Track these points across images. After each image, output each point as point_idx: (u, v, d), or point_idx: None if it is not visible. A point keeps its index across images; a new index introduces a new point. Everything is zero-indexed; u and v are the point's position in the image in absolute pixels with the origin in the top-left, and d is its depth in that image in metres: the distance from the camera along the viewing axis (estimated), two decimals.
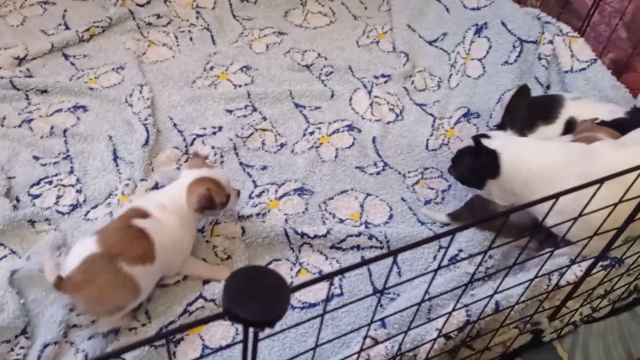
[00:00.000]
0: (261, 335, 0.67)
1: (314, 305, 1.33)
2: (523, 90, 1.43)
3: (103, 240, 1.16)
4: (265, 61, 1.93)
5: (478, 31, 1.91)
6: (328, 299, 1.33)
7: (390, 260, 1.43)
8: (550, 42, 1.75)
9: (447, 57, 1.96)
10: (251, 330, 0.64)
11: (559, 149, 1.28)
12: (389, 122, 1.80)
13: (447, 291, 1.07)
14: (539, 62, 1.77)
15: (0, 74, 1.71)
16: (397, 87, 1.92)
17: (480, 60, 1.86)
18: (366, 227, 1.50)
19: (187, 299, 1.29)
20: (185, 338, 1.25)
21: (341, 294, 1.36)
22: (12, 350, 1.17)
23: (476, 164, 1.33)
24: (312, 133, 1.73)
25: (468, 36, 1.93)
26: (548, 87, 1.76)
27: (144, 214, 1.22)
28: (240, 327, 1.25)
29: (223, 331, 1.27)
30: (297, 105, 1.80)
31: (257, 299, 0.61)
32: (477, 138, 1.33)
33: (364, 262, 0.73)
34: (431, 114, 1.85)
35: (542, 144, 1.33)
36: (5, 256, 1.29)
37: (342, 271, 0.70)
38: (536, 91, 1.72)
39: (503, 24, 1.85)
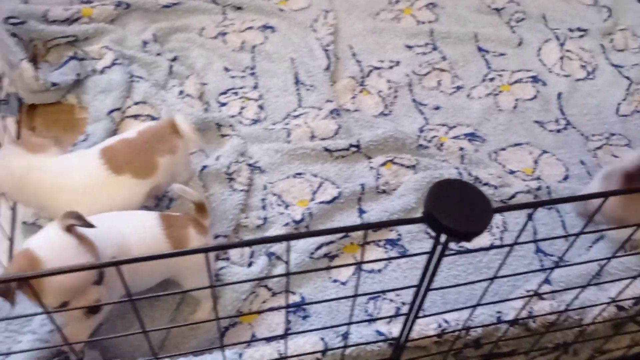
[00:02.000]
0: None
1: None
2: None
3: None
4: (452, 0, 1.86)
5: None
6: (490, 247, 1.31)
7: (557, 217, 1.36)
8: None
9: None
10: (442, 239, 0.64)
11: None
12: (578, 80, 1.67)
13: (621, 255, 0.99)
14: None
15: None
16: (593, 43, 1.76)
17: None
18: (537, 180, 1.43)
19: (344, 221, 1.34)
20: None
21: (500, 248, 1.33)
22: None
23: None
24: (492, 79, 1.65)
25: None
26: None
27: None
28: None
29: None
30: (480, 49, 1.73)
31: (459, 210, 0.61)
32: None
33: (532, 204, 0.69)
34: (627, 77, 1.68)
35: None
36: (194, 152, 1.43)
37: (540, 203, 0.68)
38: None
39: None
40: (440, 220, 0.59)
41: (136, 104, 1.48)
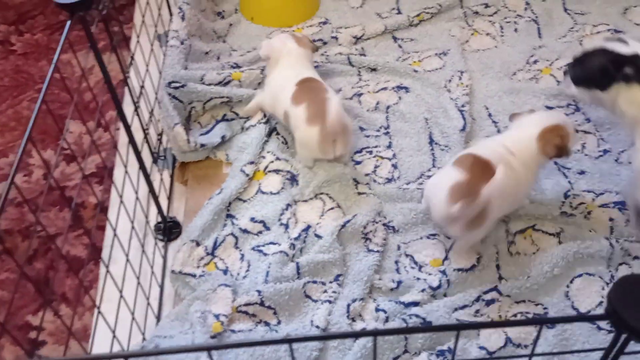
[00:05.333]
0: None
1: None
2: None
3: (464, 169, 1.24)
4: None
5: None
6: None
7: None
8: None
9: None
10: (622, 338, 0.60)
11: None
12: None
13: None
14: None
15: (339, 50, 1.92)
16: None
17: None
18: None
19: (483, 287, 1.30)
20: None
21: None
22: (325, 292, 1.33)
23: (612, 64, 1.29)
24: None
25: None
26: None
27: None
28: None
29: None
30: None
31: None
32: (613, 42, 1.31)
33: None
34: None
35: None
36: (332, 208, 1.47)
37: None
38: None
39: None
40: (627, 320, 0.56)
41: (278, 159, 1.56)
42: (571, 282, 1.30)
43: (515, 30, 1.94)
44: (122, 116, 1.23)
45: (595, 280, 1.30)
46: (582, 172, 1.51)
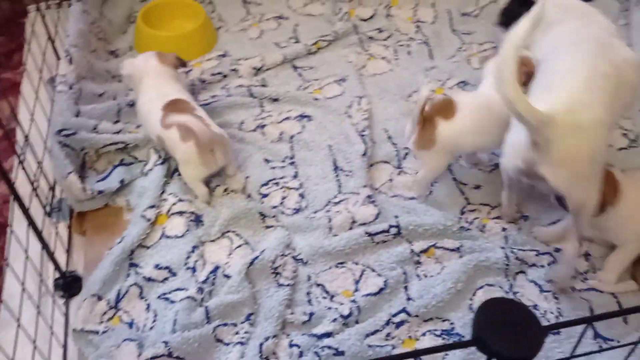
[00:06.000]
0: None
1: None
2: None
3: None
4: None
5: None
6: None
7: None
8: None
9: None
10: None
11: None
12: None
13: None
14: None
15: (240, 82, 1.92)
16: None
17: None
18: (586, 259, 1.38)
19: (392, 309, 1.32)
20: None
21: None
22: (237, 333, 1.30)
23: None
24: None
25: None
26: None
27: None
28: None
29: None
30: None
31: (509, 333, 0.59)
32: None
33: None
34: None
35: None
36: (240, 245, 1.45)
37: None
38: None
39: None
40: (492, 346, 0.58)
41: (181, 200, 1.52)
42: (474, 294, 1.35)
43: (409, 53, 2.01)
44: (2, 172, 1.16)
45: (496, 291, 1.36)
46: (477, 187, 1.58)
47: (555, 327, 0.63)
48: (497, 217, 1.50)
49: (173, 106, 1.52)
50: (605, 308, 1.32)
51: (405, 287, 1.37)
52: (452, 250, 1.42)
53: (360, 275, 1.39)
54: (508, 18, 1.56)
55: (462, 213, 1.52)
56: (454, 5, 2.14)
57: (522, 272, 1.38)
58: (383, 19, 2.12)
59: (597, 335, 1.27)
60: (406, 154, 1.68)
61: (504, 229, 1.46)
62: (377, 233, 1.44)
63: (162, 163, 1.57)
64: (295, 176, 1.64)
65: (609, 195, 1.28)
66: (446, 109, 1.45)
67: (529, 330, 0.59)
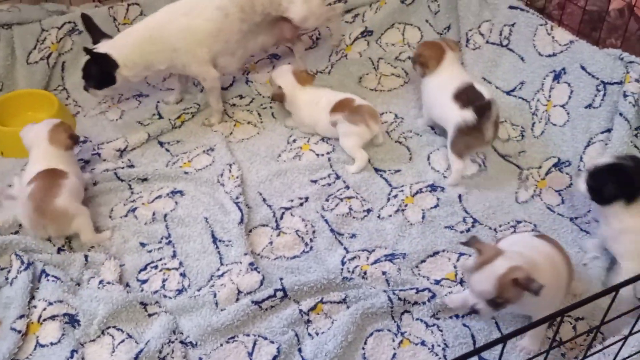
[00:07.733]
0: None
1: None
2: None
3: None
4: None
5: (557, 77, 1.88)
6: None
7: None
8: (637, 80, 1.69)
9: (527, 106, 1.94)
10: None
11: None
12: (472, 176, 1.80)
13: None
14: (624, 100, 1.69)
15: (105, 166, 1.86)
16: None
17: (563, 106, 1.83)
18: (461, 285, 1.48)
19: None
20: None
21: None
22: None
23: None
24: (395, 196, 1.75)
25: (547, 83, 1.91)
26: (637, 129, 1.68)
27: None
28: None
29: None
30: (376, 170, 1.84)
31: None
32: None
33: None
34: (517, 165, 1.83)
35: None
36: (123, 341, 1.38)
37: None
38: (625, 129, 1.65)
39: (582, 67, 1.82)
40: None
41: (51, 304, 1.42)
42: (365, 343, 1.39)
43: (272, 114, 2.08)
44: None
45: (385, 335, 1.40)
46: (353, 236, 1.64)
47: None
48: (375, 262, 1.56)
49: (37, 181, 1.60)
50: (485, 332, 1.41)
51: (300, 349, 1.38)
52: (339, 302, 1.45)
53: (253, 347, 1.38)
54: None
55: (343, 263, 1.57)
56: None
57: (407, 311, 1.44)
58: (243, 85, 2.18)
59: None
60: (283, 213, 1.72)
61: (383, 273, 1.52)
62: (263, 300, 1.44)
63: (26, 268, 1.47)
64: (174, 255, 1.61)
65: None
66: None
67: None
